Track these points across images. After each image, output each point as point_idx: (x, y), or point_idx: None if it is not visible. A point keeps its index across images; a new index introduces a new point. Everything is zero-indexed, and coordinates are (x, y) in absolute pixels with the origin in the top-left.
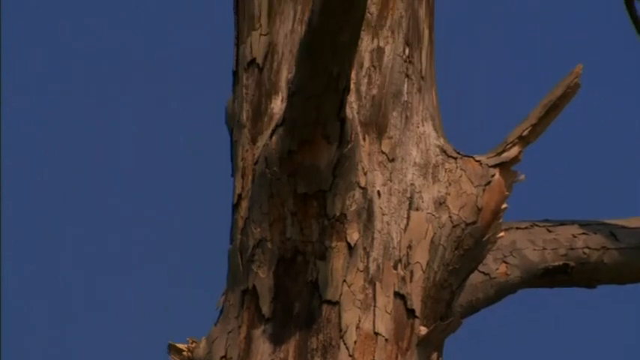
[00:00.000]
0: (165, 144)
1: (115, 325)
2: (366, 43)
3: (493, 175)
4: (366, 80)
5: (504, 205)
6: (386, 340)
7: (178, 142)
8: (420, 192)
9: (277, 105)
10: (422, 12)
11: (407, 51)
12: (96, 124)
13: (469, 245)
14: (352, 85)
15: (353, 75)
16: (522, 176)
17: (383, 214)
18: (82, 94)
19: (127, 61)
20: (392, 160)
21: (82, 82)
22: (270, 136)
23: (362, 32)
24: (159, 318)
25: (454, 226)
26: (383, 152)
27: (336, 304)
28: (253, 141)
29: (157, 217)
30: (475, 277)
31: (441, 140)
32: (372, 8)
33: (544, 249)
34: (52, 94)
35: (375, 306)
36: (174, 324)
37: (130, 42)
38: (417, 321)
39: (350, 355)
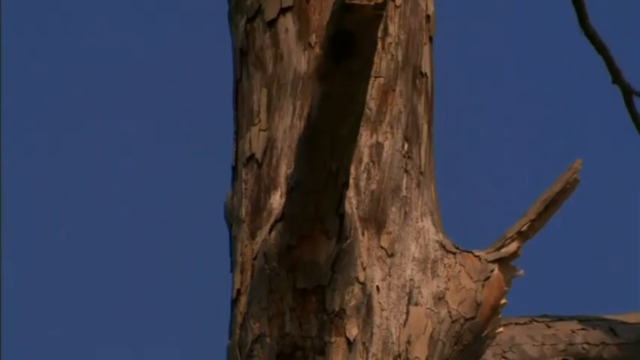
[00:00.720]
0: (165, 144)
1: (114, 325)
2: (365, 139)
3: (492, 271)
4: (365, 175)
5: (503, 301)
6: None
7: (179, 142)
8: (419, 287)
9: (276, 200)
10: (421, 107)
11: (406, 146)
12: (96, 123)
13: (468, 340)
14: (351, 180)
15: (352, 170)
16: (521, 271)
17: (382, 309)
18: (81, 94)
19: (128, 61)
20: (391, 256)
21: (82, 82)
22: (269, 232)
23: (361, 127)
24: (159, 318)
25: (453, 322)
26: (382, 247)
27: None
28: (252, 236)
29: (157, 216)
30: None
31: (440, 235)
32: (371, 103)
33: (543, 344)
34: (52, 94)
35: None
36: (174, 324)
37: (131, 42)
38: None
39: None
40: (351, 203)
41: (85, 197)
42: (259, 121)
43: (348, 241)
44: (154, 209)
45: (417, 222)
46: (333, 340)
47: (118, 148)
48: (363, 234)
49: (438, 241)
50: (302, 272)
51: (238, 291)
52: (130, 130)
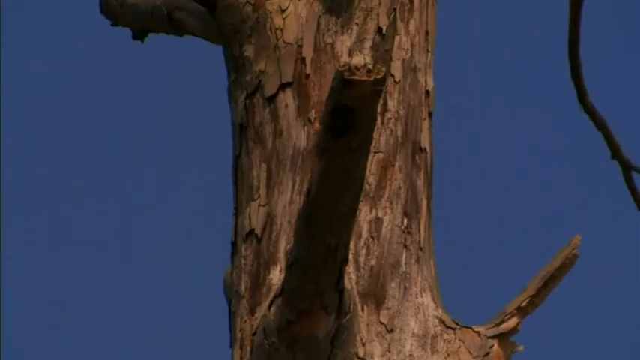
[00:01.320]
0: (166, 145)
1: (115, 324)
2: (364, 214)
3: (492, 346)
4: (364, 251)
5: None
6: None
7: (180, 145)
8: None
9: (276, 275)
10: (420, 183)
11: (405, 222)
12: (96, 123)
13: None
14: (351, 256)
15: (351, 245)
16: (521, 347)
17: None
18: (81, 94)
19: (128, 61)
20: (390, 331)
21: (82, 86)
22: (269, 307)
23: (360, 203)
24: (159, 318)
25: None
26: (381, 323)
27: None
28: (252, 311)
29: (157, 217)
30: None
31: (440, 311)
32: (371, 179)
33: None
34: (52, 94)
35: None
36: (174, 324)
37: (132, 43)
38: None
39: None
40: (351, 278)
41: (85, 197)
42: (259, 196)
43: (348, 317)
44: (154, 209)
45: (417, 297)
46: None
47: (118, 149)
48: (362, 309)
49: (437, 317)
50: (301, 348)
51: None
52: (131, 131)
